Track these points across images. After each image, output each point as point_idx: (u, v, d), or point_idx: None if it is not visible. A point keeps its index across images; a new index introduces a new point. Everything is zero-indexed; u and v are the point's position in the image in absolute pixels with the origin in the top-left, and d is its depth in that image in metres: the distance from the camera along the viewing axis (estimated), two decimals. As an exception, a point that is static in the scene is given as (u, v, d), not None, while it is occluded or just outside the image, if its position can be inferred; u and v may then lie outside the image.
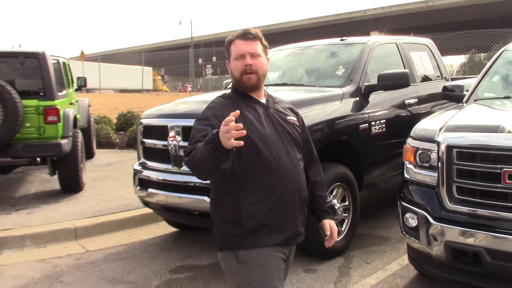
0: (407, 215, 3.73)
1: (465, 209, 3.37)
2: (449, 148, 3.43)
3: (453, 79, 7.30)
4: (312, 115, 4.64)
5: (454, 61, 36.42)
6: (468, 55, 32.24)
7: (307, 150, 2.61)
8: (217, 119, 2.27)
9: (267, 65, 2.49)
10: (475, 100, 4.64)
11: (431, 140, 3.64)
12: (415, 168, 3.78)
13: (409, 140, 3.91)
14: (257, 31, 2.47)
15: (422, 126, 3.97)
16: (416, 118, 5.30)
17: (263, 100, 2.48)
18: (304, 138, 2.59)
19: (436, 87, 6.27)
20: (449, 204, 3.43)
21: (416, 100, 6.05)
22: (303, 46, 6.64)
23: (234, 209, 2.33)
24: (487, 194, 3.30)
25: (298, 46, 6.73)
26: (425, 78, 6.66)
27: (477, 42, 21.81)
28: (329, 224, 2.57)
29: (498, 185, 3.20)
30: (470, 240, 3.29)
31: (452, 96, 5.07)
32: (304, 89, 5.44)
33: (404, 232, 3.80)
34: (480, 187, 3.32)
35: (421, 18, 38.83)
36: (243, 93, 2.45)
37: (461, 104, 4.68)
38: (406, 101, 5.90)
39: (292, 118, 2.52)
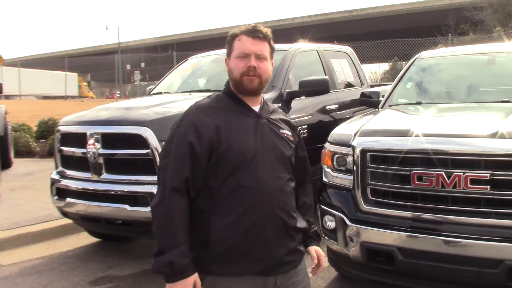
0: (326, 217, 3.83)
1: (378, 210, 3.51)
2: (363, 152, 3.56)
3: (372, 86, 7.60)
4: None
5: (378, 69, 37.92)
6: (391, 63, 33.65)
7: (300, 170, 2.32)
8: (197, 132, 2.01)
9: (271, 70, 2.21)
10: (390, 106, 4.85)
11: (347, 144, 3.76)
12: (333, 172, 3.89)
13: (327, 144, 4.02)
14: (267, 30, 2.19)
15: (339, 131, 4.10)
16: (337, 123, 5.44)
17: (257, 108, 2.18)
18: (300, 156, 2.32)
19: (356, 93, 6.46)
20: (364, 206, 3.55)
21: (337, 106, 6.24)
22: (227, 53, 6.66)
23: (204, 229, 2.02)
24: (398, 195, 3.45)
25: (223, 52, 6.74)
26: (346, 85, 6.89)
27: (399, 51, 22.76)
28: (315, 251, 2.31)
29: (408, 186, 3.35)
30: (383, 240, 3.43)
31: (369, 102, 5.27)
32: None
33: (323, 235, 3.89)
34: (392, 189, 3.47)
35: (346, 27, 40.16)
36: (236, 97, 2.16)
37: (377, 109, 4.88)
38: (327, 107, 6.06)
39: (286, 132, 2.21)
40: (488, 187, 3.11)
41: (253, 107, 2.17)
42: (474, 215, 3.19)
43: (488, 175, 3.10)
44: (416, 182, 3.31)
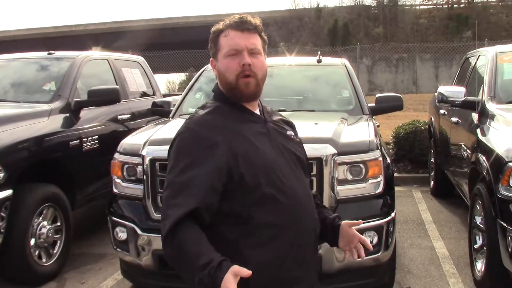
0: (117, 229, 3.76)
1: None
2: (153, 161, 3.59)
3: (166, 95, 7.71)
4: (16, 133, 4.36)
5: (177, 78, 38.55)
6: (187, 73, 34.53)
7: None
8: (201, 152, 1.69)
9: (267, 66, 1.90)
10: (180, 115, 4.97)
11: (137, 154, 3.75)
12: (123, 182, 3.85)
13: (116, 155, 3.96)
14: (256, 20, 1.85)
15: (128, 141, 4.07)
16: (130, 133, 5.40)
17: (257, 111, 1.88)
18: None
19: (149, 103, 6.48)
20: (155, 214, 3.57)
21: (129, 115, 6.19)
22: (7, 58, 6.14)
23: (237, 260, 1.55)
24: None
25: (2, 58, 6.20)
26: (139, 94, 6.87)
27: (196, 61, 23.47)
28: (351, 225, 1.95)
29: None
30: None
31: (161, 112, 5.33)
32: (7, 105, 5.02)
33: (115, 247, 3.82)
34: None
35: (145, 36, 40.07)
36: (235, 103, 1.83)
37: (168, 119, 4.96)
38: (119, 117, 5.97)
39: (291, 132, 1.95)
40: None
41: (255, 111, 1.88)
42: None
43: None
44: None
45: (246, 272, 1.46)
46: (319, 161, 3.41)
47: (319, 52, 5.67)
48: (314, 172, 3.40)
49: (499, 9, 36.36)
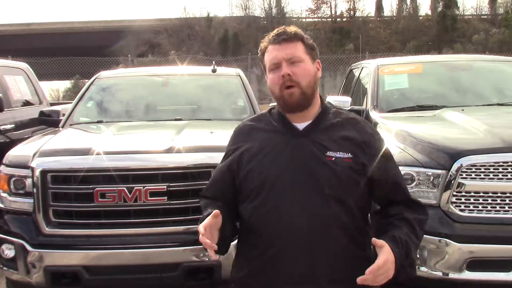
0: (4, 246, 3.53)
1: (62, 231, 3.42)
2: (44, 172, 3.42)
3: (52, 104, 7.35)
4: None
5: (61, 86, 36.72)
6: (73, 81, 33.03)
7: (382, 198, 1.89)
8: (225, 152, 1.98)
9: (317, 71, 1.88)
10: (71, 125, 4.78)
11: (25, 166, 3.55)
12: (10, 196, 3.62)
13: (2, 167, 3.72)
14: (295, 29, 1.86)
15: (15, 153, 3.84)
16: (14, 144, 5.08)
17: (303, 124, 1.84)
18: (381, 180, 1.83)
19: (34, 112, 6.15)
20: (46, 228, 3.41)
21: (13, 125, 5.84)
22: None
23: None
24: (83, 214, 3.44)
25: None
26: (23, 103, 6.50)
27: (81, 69, 22.54)
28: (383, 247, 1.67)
29: (92, 204, 3.37)
30: (69, 261, 3.37)
31: (49, 121, 5.09)
32: None
33: (1, 265, 3.58)
34: (76, 208, 3.43)
35: (23, 41, 37.72)
36: (277, 113, 1.89)
37: (57, 128, 4.75)
38: (2, 127, 5.62)
39: (336, 154, 1.78)
40: (166, 198, 3.39)
41: (298, 123, 1.85)
42: (154, 225, 3.43)
43: (165, 187, 3.38)
44: (99, 200, 3.35)
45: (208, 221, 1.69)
46: (217, 169, 3.46)
47: (213, 62, 5.74)
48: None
49: (377, 24, 39.05)
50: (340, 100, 5.12)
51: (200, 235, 1.67)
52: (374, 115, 4.74)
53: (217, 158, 3.46)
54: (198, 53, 27.07)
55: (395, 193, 1.87)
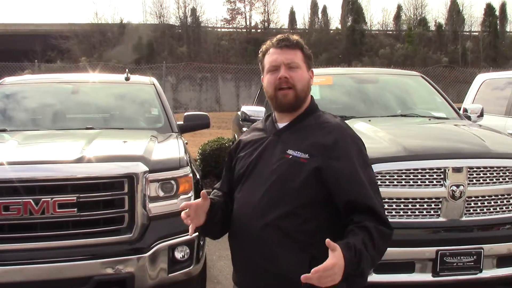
0: None
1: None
2: None
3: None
4: None
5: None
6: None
7: (341, 199, 1.85)
8: (234, 144, 2.19)
9: (311, 79, 2.05)
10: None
11: None
12: None
13: None
14: (297, 38, 2.02)
15: None
16: None
17: (282, 124, 2.01)
18: (334, 178, 1.84)
19: None
20: None
21: None
22: None
23: None
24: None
25: None
26: None
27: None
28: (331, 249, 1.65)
29: (-6, 217, 3.18)
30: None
31: None
32: None
33: None
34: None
35: None
36: (270, 114, 2.10)
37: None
38: None
39: (295, 153, 1.89)
40: (75, 209, 3.26)
41: (280, 123, 2.03)
42: (64, 238, 3.29)
43: (75, 198, 3.26)
44: (3, 213, 3.17)
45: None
46: (131, 179, 3.39)
47: (127, 70, 5.63)
48: (125, 190, 3.38)
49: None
50: (254, 110, 5.20)
51: (182, 212, 1.90)
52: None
53: (130, 167, 3.45)
54: (110, 60, 26.36)
55: (352, 190, 1.84)
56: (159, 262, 3.39)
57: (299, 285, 1.66)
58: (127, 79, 5.38)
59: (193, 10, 36.64)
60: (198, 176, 4.01)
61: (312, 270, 1.59)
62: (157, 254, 3.38)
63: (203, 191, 1.97)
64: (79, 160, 3.42)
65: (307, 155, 1.88)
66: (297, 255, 1.84)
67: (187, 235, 3.52)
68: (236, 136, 7.68)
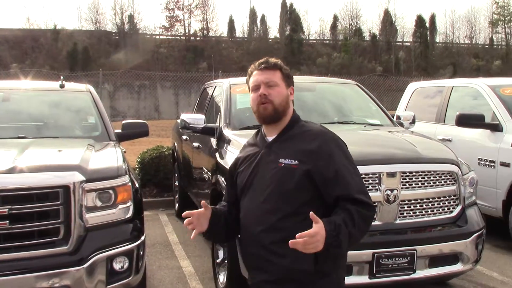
0: None
1: None
2: None
3: None
4: None
5: None
6: None
7: (329, 194, 2.14)
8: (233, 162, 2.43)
9: (290, 94, 2.29)
10: None
11: None
12: None
13: None
14: (276, 60, 2.33)
15: None
16: None
17: (271, 137, 2.28)
18: (321, 176, 2.12)
19: None
20: None
21: None
22: None
23: None
24: None
25: None
26: None
27: None
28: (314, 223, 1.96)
29: None
30: None
31: None
32: None
33: None
34: None
35: None
36: (258, 130, 2.38)
37: None
38: None
39: (286, 161, 2.17)
40: (7, 222, 3.13)
41: (269, 136, 2.29)
42: (-5, 252, 3.14)
43: (7, 210, 3.12)
44: None
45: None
46: (66, 189, 3.29)
47: (61, 77, 5.46)
48: (60, 201, 3.27)
49: (230, 44, 40.22)
50: (194, 118, 5.18)
51: (185, 220, 2.19)
52: (227, 132, 4.87)
53: (66, 177, 3.34)
54: (43, 66, 25.50)
55: (337, 186, 2.12)
56: (97, 273, 3.31)
57: (308, 275, 2.11)
58: (61, 86, 5.22)
59: (131, 17, 36.14)
60: (137, 185, 3.94)
61: (297, 234, 1.89)
62: (94, 266, 3.29)
63: (203, 201, 2.28)
64: (11, 171, 3.28)
65: (296, 161, 2.15)
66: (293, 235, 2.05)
67: (127, 245, 3.51)
68: (175, 144, 7.61)
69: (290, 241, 1.90)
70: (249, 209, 2.24)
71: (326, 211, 2.11)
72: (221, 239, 2.51)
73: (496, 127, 5.89)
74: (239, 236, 2.35)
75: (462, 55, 49.35)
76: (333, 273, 2.17)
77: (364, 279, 3.64)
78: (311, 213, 1.94)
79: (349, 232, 2.03)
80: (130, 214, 3.59)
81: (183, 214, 2.18)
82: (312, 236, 1.90)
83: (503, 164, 5.67)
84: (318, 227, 1.93)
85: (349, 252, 3.55)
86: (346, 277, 3.58)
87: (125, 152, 4.70)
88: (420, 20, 49.54)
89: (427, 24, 50.12)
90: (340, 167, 2.14)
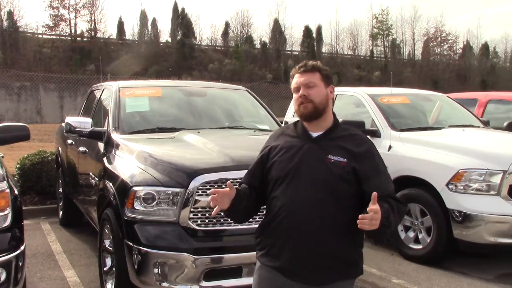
0: None
1: None
2: None
3: None
4: None
5: None
6: None
7: (371, 188, 2.30)
8: (264, 149, 2.56)
9: (330, 93, 2.47)
10: None
11: None
12: None
13: None
14: (315, 63, 2.50)
15: None
16: None
17: (316, 133, 2.45)
18: (364, 172, 2.36)
19: None
20: None
21: None
22: None
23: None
24: None
25: None
26: None
27: None
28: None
29: None
30: None
31: None
32: None
33: None
34: None
35: None
36: (298, 123, 2.53)
37: None
38: None
39: (336, 158, 2.36)
40: None
41: (313, 132, 2.45)
42: None
43: None
44: None
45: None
46: None
47: None
48: None
49: (119, 47, 39.17)
50: (80, 121, 4.98)
51: (210, 196, 2.35)
52: (116, 136, 4.74)
53: None
54: None
55: (378, 184, 2.35)
56: (-30, 288, 3.06)
57: (347, 260, 2.37)
58: None
59: (10, 13, 33.86)
60: (16, 192, 3.70)
61: (368, 209, 2.13)
62: (-33, 280, 3.05)
63: (229, 182, 2.42)
64: None
65: (345, 159, 2.36)
66: (345, 236, 2.34)
67: (5, 255, 3.28)
68: (60, 149, 7.24)
69: (358, 220, 2.14)
70: (293, 200, 2.35)
71: (361, 205, 2.32)
72: (241, 219, 2.64)
73: (375, 133, 6.31)
74: (267, 222, 2.45)
75: (346, 66, 52.26)
76: (360, 263, 2.44)
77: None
78: (374, 193, 2.15)
79: (392, 221, 2.29)
80: (8, 222, 3.37)
81: (210, 191, 2.37)
82: (376, 213, 2.13)
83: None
84: (377, 206, 2.14)
85: (238, 254, 3.68)
86: (236, 279, 3.69)
87: (3, 157, 4.40)
88: (307, 31, 51.73)
89: (314, 35, 52.49)
90: (381, 171, 2.44)
